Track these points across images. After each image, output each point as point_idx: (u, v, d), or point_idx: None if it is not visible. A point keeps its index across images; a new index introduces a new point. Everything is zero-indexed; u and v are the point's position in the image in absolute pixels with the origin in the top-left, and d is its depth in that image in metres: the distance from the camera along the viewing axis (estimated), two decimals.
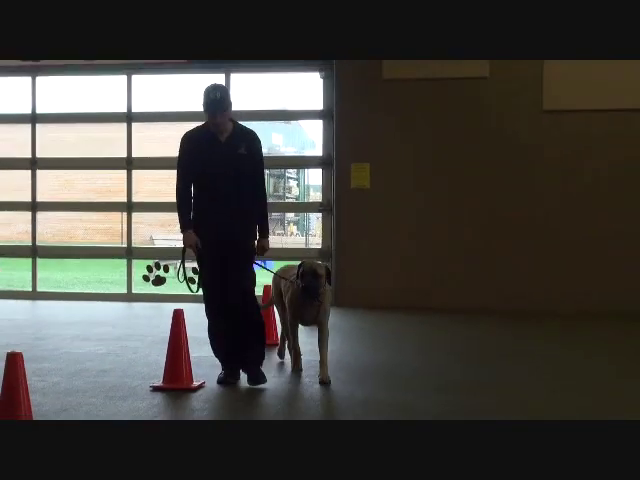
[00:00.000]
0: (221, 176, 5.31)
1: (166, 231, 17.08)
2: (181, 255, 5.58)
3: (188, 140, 5.48)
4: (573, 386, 5.76)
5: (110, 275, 14.90)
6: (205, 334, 5.83)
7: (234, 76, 11.36)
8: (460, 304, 10.04)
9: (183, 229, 5.37)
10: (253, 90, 13.41)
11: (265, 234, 5.58)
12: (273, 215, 21.90)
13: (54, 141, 12.98)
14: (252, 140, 5.53)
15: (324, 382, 5.45)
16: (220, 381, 5.42)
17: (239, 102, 11.70)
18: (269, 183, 22.32)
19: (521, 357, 7.02)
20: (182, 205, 5.37)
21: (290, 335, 5.91)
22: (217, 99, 5.30)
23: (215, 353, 5.51)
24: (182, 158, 5.45)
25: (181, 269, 5.57)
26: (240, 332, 5.35)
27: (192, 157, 5.37)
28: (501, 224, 10.54)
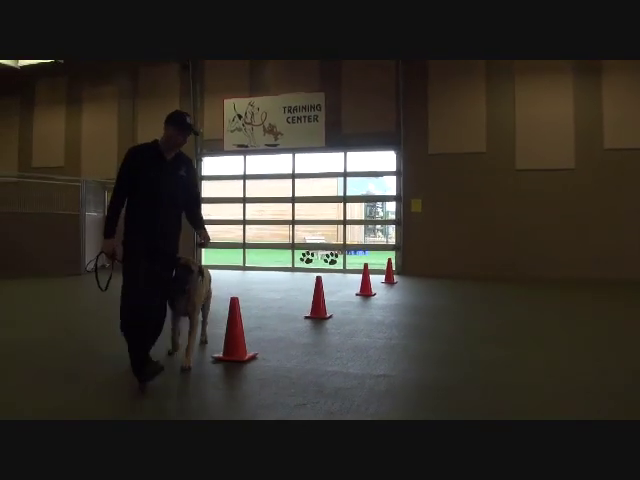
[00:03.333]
0: (161, 192, 5.28)
1: (312, 234, 24.72)
2: (95, 259, 5.98)
3: (133, 155, 5.40)
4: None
5: (282, 258, 20.67)
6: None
7: (348, 153, 17.71)
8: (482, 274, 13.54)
9: (107, 236, 5.32)
10: (358, 159, 19.18)
11: (202, 226, 5.79)
12: (369, 226, 28.66)
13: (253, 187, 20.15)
14: (190, 165, 5.62)
15: (184, 368, 5.63)
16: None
17: (353, 167, 17.95)
18: (367, 211, 28.59)
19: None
20: (114, 215, 5.32)
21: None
22: (190, 124, 5.48)
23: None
24: (124, 171, 5.34)
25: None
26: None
27: (134, 172, 5.28)
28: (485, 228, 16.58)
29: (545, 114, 16.46)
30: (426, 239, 17.12)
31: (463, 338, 7.59)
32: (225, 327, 6.23)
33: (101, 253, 5.37)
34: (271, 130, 18.66)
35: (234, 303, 6.17)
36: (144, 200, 5.30)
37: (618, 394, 5.10)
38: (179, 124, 5.37)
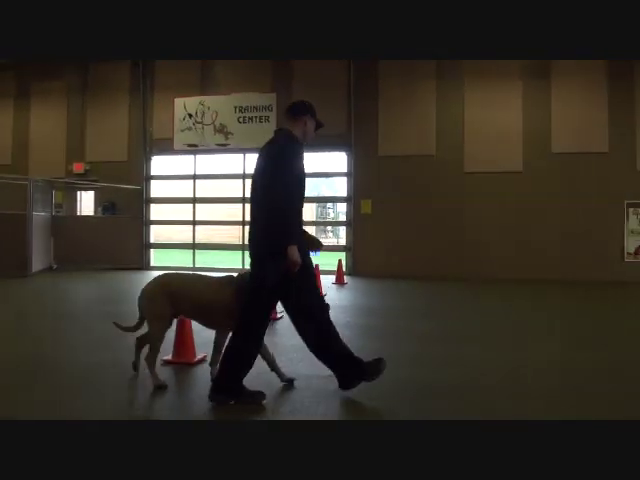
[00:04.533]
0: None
1: None
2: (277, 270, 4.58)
3: (302, 149, 4.69)
4: None
5: (233, 259, 19.94)
6: None
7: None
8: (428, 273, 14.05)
9: (295, 242, 4.49)
10: (310, 161, 17.64)
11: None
12: (320, 226, 29.06)
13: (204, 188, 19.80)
14: None
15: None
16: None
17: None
18: (318, 212, 28.61)
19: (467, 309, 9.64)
20: (297, 215, 4.61)
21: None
22: None
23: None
24: (302, 165, 4.62)
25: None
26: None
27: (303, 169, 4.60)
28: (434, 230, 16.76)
29: (494, 118, 16.78)
30: (376, 240, 17.31)
31: (414, 337, 7.63)
32: (174, 329, 6.13)
33: (288, 263, 4.53)
34: (222, 130, 18.53)
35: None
36: (301, 200, 4.68)
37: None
38: (315, 117, 4.90)
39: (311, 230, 29.25)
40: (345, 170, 18.17)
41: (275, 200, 4.48)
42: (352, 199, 17.84)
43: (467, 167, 16.95)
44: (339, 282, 14.80)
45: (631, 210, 16.25)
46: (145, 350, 5.35)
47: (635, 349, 7.21)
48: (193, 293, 5.17)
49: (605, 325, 9.12)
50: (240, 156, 18.95)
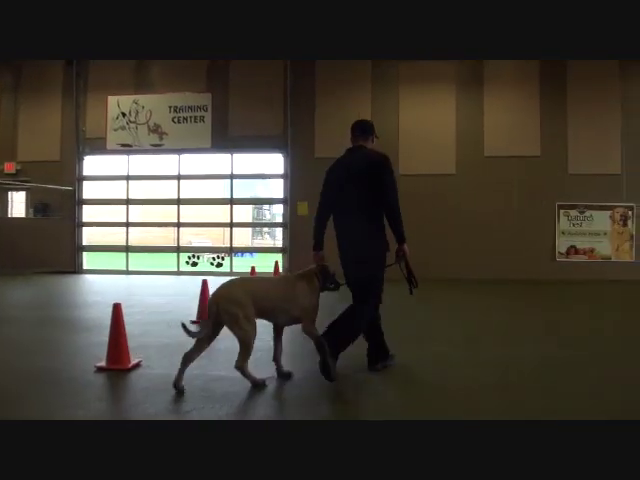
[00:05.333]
0: None
1: (198, 237, 24.32)
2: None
3: None
4: None
5: (167, 261, 19.81)
6: None
7: (235, 155, 17.70)
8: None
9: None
10: (246, 162, 18.91)
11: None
12: (256, 228, 29.12)
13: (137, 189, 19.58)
14: None
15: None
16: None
17: (239, 169, 18.08)
18: (254, 214, 28.54)
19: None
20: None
21: None
22: None
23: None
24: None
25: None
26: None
27: None
28: None
29: (428, 120, 17.07)
30: (311, 241, 17.08)
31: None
32: (108, 334, 6.01)
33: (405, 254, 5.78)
34: (156, 130, 18.32)
35: (117, 309, 6.00)
36: None
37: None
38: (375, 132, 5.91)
39: (247, 232, 29.19)
40: (281, 172, 18.15)
41: (397, 208, 5.57)
42: (288, 201, 17.84)
43: (402, 169, 17.05)
44: None
45: (562, 212, 16.77)
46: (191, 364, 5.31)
47: (553, 342, 7.37)
48: (270, 292, 5.44)
49: (533, 321, 9.32)
50: (175, 157, 18.72)
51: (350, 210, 5.61)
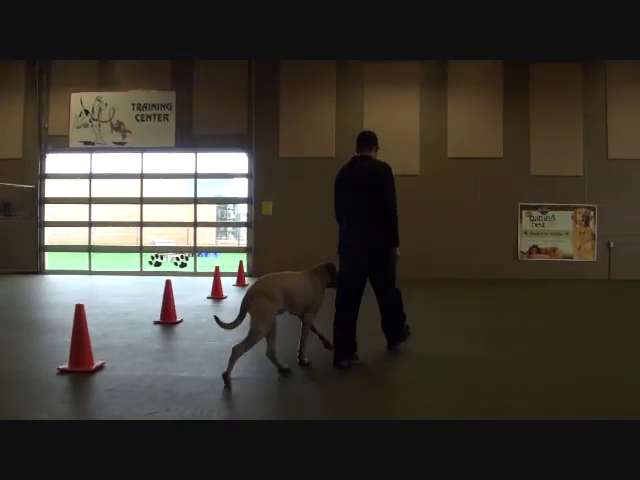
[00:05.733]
0: None
1: (161, 237, 23.44)
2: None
3: None
4: None
5: (130, 261, 19.54)
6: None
7: (199, 154, 17.62)
8: None
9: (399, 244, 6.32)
10: (211, 162, 18.87)
11: None
12: (221, 228, 28.92)
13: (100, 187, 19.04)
14: None
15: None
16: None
17: (204, 168, 17.96)
18: (218, 214, 28.27)
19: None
20: None
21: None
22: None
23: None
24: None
25: None
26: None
27: None
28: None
29: (393, 121, 17.15)
30: (277, 241, 17.34)
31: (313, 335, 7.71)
32: (71, 336, 5.96)
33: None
34: (119, 127, 18.13)
35: (79, 310, 5.96)
36: None
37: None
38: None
39: (211, 231, 29.00)
40: (246, 171, 18.13)
41: (393, 212, 6.31)
42: (253, 200, 17.84)
43: None
44: (240, 284, 14.73)
45: (524, 212, 17.06)
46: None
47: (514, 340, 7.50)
48: (298, 287, 5.91)
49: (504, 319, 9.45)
50: (138, 155, 18.53)
51: (360, 211, 6.25)
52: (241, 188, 18.85)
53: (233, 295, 12.54)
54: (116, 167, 19.23)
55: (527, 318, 9.94)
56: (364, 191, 6.21)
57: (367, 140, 6.65)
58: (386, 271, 6.44)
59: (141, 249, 19.01)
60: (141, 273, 18.38)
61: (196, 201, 18.74)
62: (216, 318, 5.56)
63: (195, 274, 18.11)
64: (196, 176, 18.50)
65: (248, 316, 5.58)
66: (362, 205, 6.23)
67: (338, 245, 6.50)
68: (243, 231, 19.80)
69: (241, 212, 21.21)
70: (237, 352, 5.43)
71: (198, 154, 18.32)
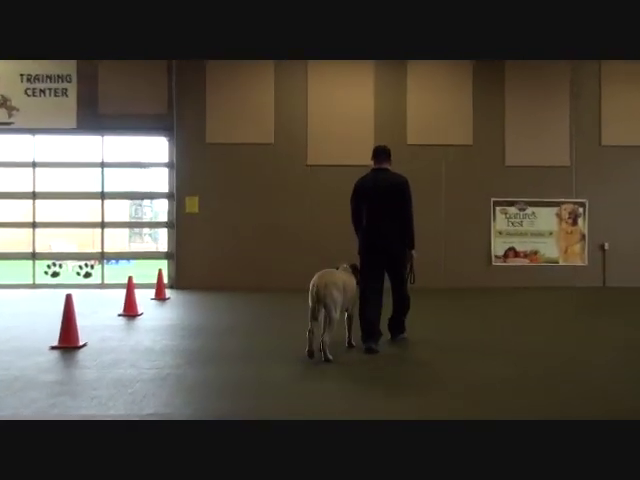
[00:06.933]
0: None
1: (60, 240, 22.60)
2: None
3: None
4: None
5: (20, 271, 18.92)
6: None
7: (106, 137, 17.11)
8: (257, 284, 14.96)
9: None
10: (121, 148, 18.47)
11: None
12: (135, 229, 28.64)
13: None
14: None
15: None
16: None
17: (113, 156, 17.31)
18: (132, 212, 28.06)
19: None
20: None
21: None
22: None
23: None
24: None
25: None
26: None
27: None
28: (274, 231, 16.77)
29: (341, 105, 17.16)
30: (204, 245, 17.08)
31: (253, 359, 7.65)
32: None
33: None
34: (4, 104, 17.50)
35: None
36: None
37: None
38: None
39: (124, 233, 28.48)
40: (166, 160, 17.80)
41: (412, 221, 8.49)
42: (174, 195, 17.49)
43: (310, 159, 16.98)
44: (159, 297, 14.44)
45: (498, 209, 16.95)
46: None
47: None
48: (349, 282, 7.95)
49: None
50: (29, 138, 17.97)
51: (380, 217, 8.38)
52: (160, 180, 18.47)
53: (151, 311, 12.20)
54: (1, 153, 18.52)
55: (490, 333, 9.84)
56: (387, 201, 8.33)
57: (386, 153, 8.66)
58: (402, 270, 8.60)
59: (34, 256, 18.29)
60: (34, 286, 17.84)
61: (103, 196, 18.32)
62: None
63: (102, 286, 17.74)
64: (103, 165, 18.13)
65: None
66: (385, 213, 8.34)
67: (359, 246, 8.59)
68: (163, 233, 19.51)
69: (160, 210, 20.96)
70: (328, 341, 7.20)
71: (105, 138, 17.90)
